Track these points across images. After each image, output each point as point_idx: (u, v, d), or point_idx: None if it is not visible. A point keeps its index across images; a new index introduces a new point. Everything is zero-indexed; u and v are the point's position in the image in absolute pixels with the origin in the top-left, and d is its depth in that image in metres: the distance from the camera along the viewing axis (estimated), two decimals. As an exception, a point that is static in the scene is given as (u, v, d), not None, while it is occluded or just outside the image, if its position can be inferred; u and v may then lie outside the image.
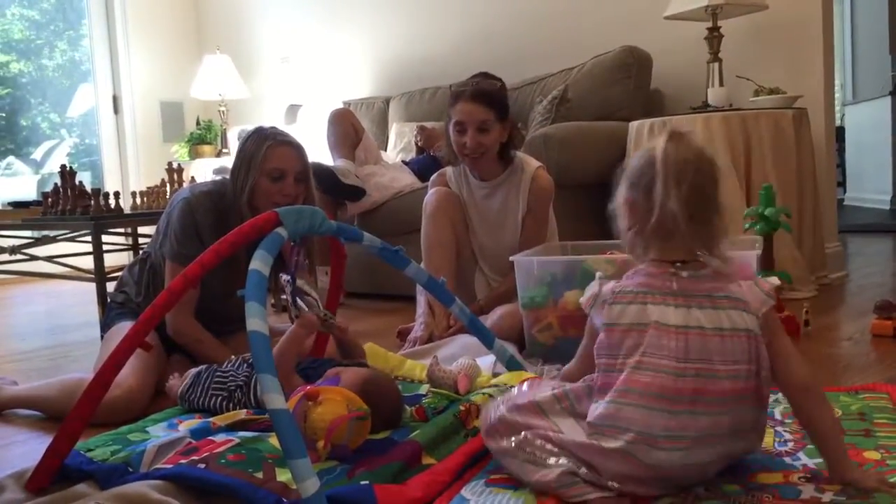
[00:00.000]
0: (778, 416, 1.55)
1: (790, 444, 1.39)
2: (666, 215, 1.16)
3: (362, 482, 1.22)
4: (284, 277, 1.69)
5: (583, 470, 1.18)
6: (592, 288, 1.26)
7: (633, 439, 1.14)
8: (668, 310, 1.17)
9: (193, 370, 1.82)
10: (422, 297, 2.55)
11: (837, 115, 7.68)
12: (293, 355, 1.66)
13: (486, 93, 2.48)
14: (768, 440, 1.42)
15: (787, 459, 1.33)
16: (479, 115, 2.46)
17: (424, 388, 1.77)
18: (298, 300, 1.68)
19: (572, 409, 1.25)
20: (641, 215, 1.21)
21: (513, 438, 1.26)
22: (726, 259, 1.22)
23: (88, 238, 3.16)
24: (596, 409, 1.19)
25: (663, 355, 1.15)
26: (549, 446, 1.22)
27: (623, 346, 1.18)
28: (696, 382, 1.14)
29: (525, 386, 1.34)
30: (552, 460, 1.20)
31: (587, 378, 1.27)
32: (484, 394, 1.63)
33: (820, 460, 1.31)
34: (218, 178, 2.34)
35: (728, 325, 1.17)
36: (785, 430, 1.47)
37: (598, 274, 1.28)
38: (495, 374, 1.89)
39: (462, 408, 1.53)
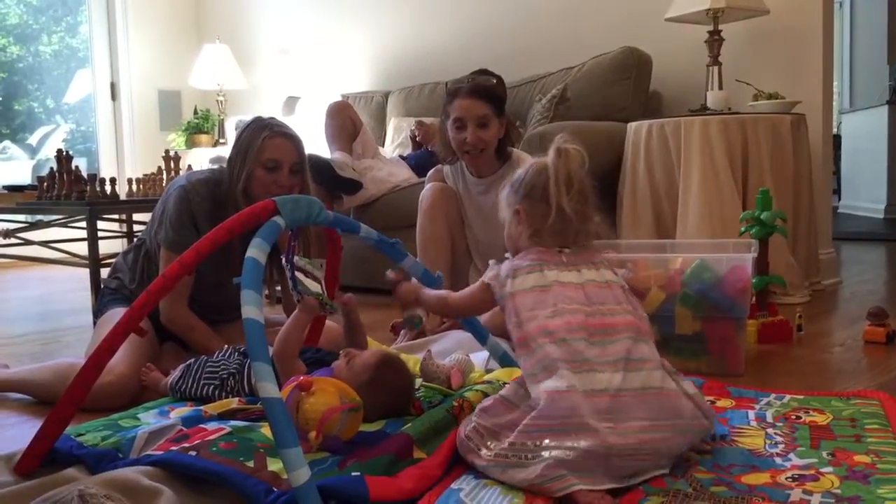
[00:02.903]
0: (769, 419, 1.55)
1: (780, 447, 1.40)
2: (562, 214, 1.38)
3: (353, 473, 1.22)
4: (285, 262, 1.69)
5: (568, 453, 1.19)
6: (492, 269, 1.45)
7: (571, 368, 1.26)
8: (563, 273, 1.38)
9: (182, 365, 1.82)
10: None
11: (834, 123, 7.70)
12: (298, 341, 1.66)
13: (483, 88, 2.47)
14: (759, 441, 1.42)
15: (778, 460, 1.33)
16: (478, 110, 2.45)
17: (417, 383, 1.76)
18: (299, 281, 1.68)
19: None
20: (539, 217, 1.41)
21: (491, 445, 1.28)
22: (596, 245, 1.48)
23: (83, 224, 3.15)
24: (528, 360, 1.32)
25: (572, 301, 1.34)
26: (530, 443, 1.23)
27: (529, 304, 1.35)
28: (603, 319, 1.34)
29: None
30: (534, 458, 1.21)
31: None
32: (477, 390, 1.63)
33: (811, 460, 1.31)
34: (215, 166, 2.33)
35: (609, 278, 1.42)
36: (775, 433, 1.47)
37: (490, 262, 1.47)
38: (488, 371, 1.89)
39: (455, 403, 1.54)
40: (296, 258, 1.66)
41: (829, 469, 1.28)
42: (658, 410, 1.26)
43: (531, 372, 1.30)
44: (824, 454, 1.35)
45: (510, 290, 1.38)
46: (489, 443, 1.29)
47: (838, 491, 1.19)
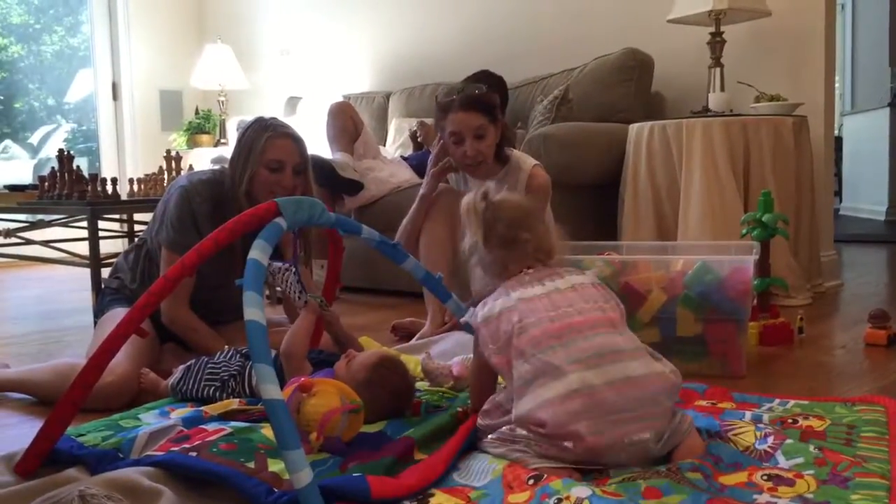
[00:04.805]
0: (765, 421, 1.53)
1: (770, 439, 1.38)
2: (475, 249, 1.48)
3: (355, 474, 1.22)
4: (284, 265, 1.69)
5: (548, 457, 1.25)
6: (468, 315, 1.50)
7: (543, 382, 1.28)
8: (527, 289, 1.40)
9: (183, 366, 1.82)
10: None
11: (836, 125, 7.69)
12: (306, 340, 1.67)
13: (476, 99, 2.44)
14: (749, 438, 1.41)
15: (765, 464, 1.31)
16: (474, 122, 2.43)
17: (422, 385, 1.77)
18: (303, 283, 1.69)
19: None
20: (487, 263, 1.49)
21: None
22: (559, 261, 1.50)
23: (84, 223, 3.15)
24: (508, 382, 1.37)
25: (537, 313, 1.35)
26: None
27: (501, 328, 1.38)
28: (570, 319, 1.35)
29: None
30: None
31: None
32: (479, 393, 1.62)
33: (797, 460, 1.29)
34: (216, 167, 2.33)
35: (577, 281, 1.43)
36: (765, 426, 1.47)
37: (470, 310, 1.51)
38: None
39: (459, 409, 1.54)
40: (282, 264, 1.67)
41: (812, 471, 1.25)
42: (637, 401, 1.27)
43: (512, 389, 1.34)
44: (812, 448, 1.32)
45: (480, 320, 1.43)
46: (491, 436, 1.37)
47: (811, 496, 1.17)
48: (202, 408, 1.60)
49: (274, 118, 2.15)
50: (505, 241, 1.46)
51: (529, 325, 1.34)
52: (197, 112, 5.82)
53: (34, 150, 6.04)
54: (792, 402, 1.68)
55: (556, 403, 1.25)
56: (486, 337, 1.41)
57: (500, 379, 1.77)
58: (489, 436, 1.38)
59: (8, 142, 5.91)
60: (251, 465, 1.28)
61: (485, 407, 1.44)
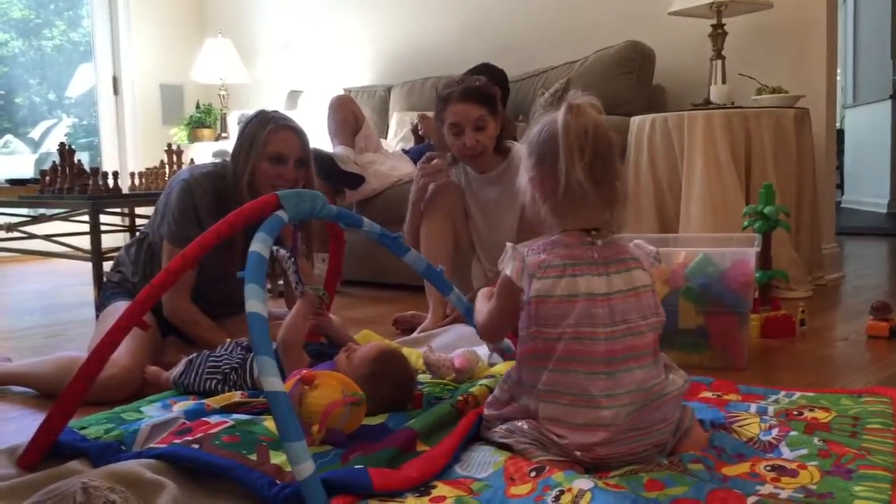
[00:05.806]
0: (770, 413, 1.54)
1: (775, 431, 1.38)
2: (573, 185, 1.23)
3: (356, 466, 1.22)
4: (283, 253, 1.69)
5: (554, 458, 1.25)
6: (514, 260, 1.30)
7: (573, 401, 1.24)
8: (593, 280, 1.25)
9: (185, 358, 1.82)
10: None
11: (837, 118, 7.68)
12: (302, 330, 1.67)
13: (475, 90, 2.45)
14: (754, 429, 1.41)
15: (770, 455, 1.31)
16: (474, 112, 2.43)
17: (424, 378, 1.77)
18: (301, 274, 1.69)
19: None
20: (552, 188, 1.26)
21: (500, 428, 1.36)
22: (620, 224, 1.33)
23: (86, 217, 3.15)
24: (532, 373, 1.28)
25: (596, 323, 1.23)
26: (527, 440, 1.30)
27: (554, 316, 1.25)
28: (627, 341, 1.25)
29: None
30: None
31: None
32: (481, 385, 1.63)
33: (801, 452, 1.29)
34: (218, 160, 2.33)
35: (639, 283, 1.29)
36: (770, 417, 1.47)
37: (508, 244, 1.33)
38: (491, 364, 1.89)
39: (460, 398, 1.54)
40: (284, 251, 1.67)
41: (815, 462, 1.24)
42: (650, 421, 1.26)
43: (532, 384, 1.29)
44: (816, 440, 1.32)
45: (535, 293, 1.26)
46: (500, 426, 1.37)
47: (814, 487, 1.16)
48: (204, 401, 1.60)
49: (276, 111, 2.15)
50: (599, 185, 1.25)
51: (582, 337, 1.23)
52: (198, 106, 5.82)
53: (35, 145, 6.04)
54: (798, 394, 1.67)
55: (582, 429, 1.23)
56: (532, 314, 1.26)
57: (499, 369, 1.78)
58: (499, 426, 1.37)
59: (9, 136, 5.91)
60: (253, 457, 1.28)
61: (489, 400, 1.44)
